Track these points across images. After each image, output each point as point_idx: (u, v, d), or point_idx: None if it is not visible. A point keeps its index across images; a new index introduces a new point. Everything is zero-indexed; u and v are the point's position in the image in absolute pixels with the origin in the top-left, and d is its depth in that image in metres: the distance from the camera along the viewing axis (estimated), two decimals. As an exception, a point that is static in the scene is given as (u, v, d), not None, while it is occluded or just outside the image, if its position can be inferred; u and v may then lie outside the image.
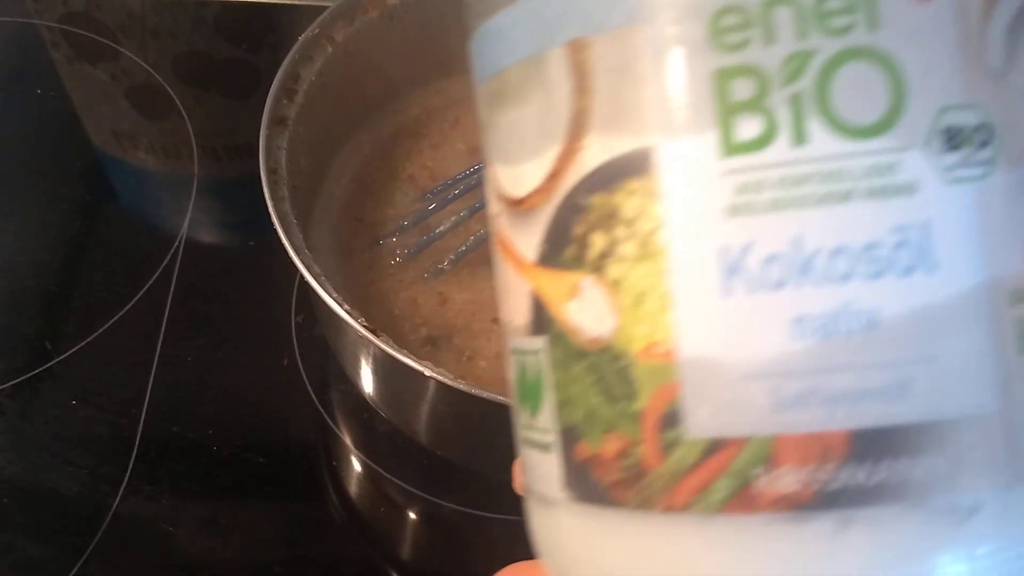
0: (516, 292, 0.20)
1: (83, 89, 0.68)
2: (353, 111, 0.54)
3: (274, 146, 0.46)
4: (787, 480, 0.16)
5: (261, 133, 0.45)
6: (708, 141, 0.17)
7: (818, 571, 0.17)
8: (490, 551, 0.49)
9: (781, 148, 0.16)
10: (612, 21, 0.17)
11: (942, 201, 0.16)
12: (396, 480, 0.52)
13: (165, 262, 0.59)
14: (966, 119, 0.16)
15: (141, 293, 0.57)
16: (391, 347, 0.38)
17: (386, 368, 0.44)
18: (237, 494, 0.51)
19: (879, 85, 0.16)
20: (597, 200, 0.18)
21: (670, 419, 0.17)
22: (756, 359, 0.17)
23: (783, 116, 0.16)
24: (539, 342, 0.19)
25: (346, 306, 0.39)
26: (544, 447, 0.20)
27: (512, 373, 0.21)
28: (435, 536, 0.52)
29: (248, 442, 0.52)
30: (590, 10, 0.18)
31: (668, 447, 0.17)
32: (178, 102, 0.66)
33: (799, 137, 0.16)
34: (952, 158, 0.16)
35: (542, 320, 0.19)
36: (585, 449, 0.19)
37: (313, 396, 0.54)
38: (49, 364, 0.54)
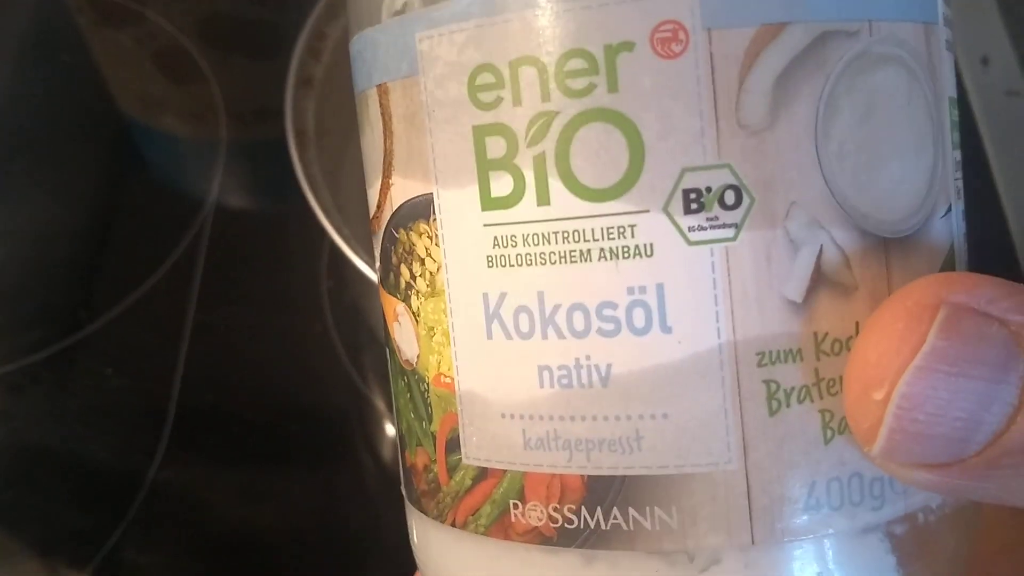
0: None
1: (108, 54, 0.67)
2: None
3: (301, 107, 0.45)
4: (535, 514, 0.18)
5: (287, 94, 0.45)
6: (470, 194, 0.17)
7: None
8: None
9: (528, 207, 0.17)
10: (401, 70, 0.18)
11: (679, 263, 0.16)
12: (431, 445, 0.51)
13: (195, 228, 0.58)
14: (710, 180, 0.16)
15: (172, 260, 0.57)
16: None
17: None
18: (272, 462, 0.51)
19: (617, 147, 0.16)
20: (402, 236, 0.19)
21: (453, 444, 0.19)
22: (510, 400, 0.18)
23: (528, 176, 0.17)
24: (387, 352, 0.21)
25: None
26: (399, 447, 0.21)
27: None
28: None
29: (282, 409, 0.52)
30: (389, 58, 0.19)
31: (452, 469, 0.19)
32: (205, 66, 0.65)
33: (542, 198, 0.17)
34: (693, 220, 0.16)
35: (386, 334, 0.21)
36: (408, 457, 0.20)
37: (346, 361, 0.54)
38: (83, 333, 0.54)
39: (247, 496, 0.50)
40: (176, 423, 0.51)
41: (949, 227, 0.18)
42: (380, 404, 0.53)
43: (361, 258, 0.39)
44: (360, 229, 0.48)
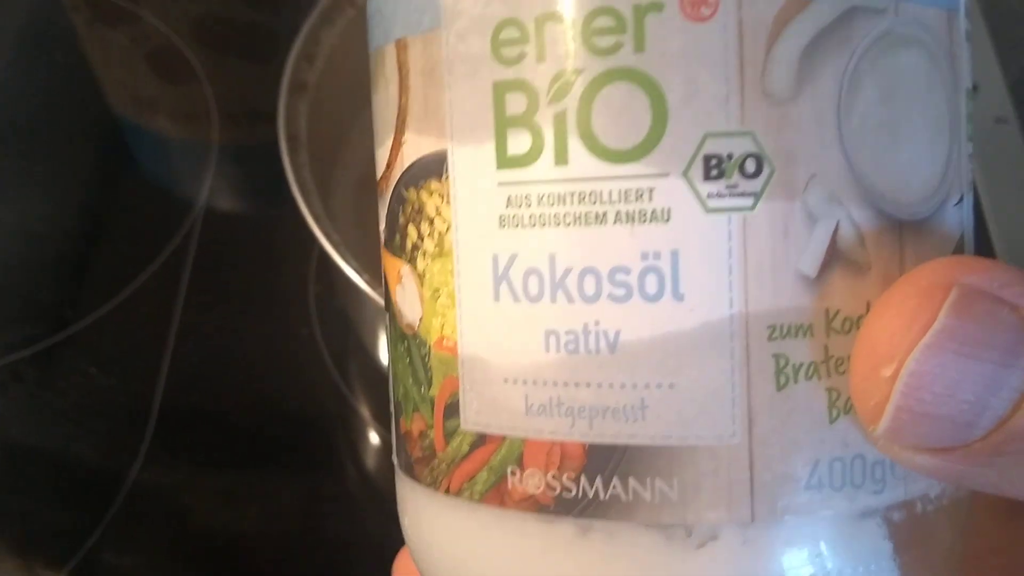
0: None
1: (102, 53, 0.67)
2: (375, 77, 0.53)
3: (294, 112, 0.45)
4: (533, 482, 0.17)
5: (280, 99, 0.45)
6: (486, 152, 0.17)
7: (562, 571, 0.17)
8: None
9: (544, 166, 0.17)
10: (422, 24, 0.18)
11: (696, 230, 0.16)
12: (415, 454, 0.51)
13: (185, 230, 0.58)
14: (732, 148, 0.16)
15: (160, 261, 0.57)
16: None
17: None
18: (255, 465, 0.51)
19: (639, 109, 0.16)
20: (411, 195, 0.19)
21: (452, 409, 0.18)
22: (514, 364, 0.17)
23: (547, 134, 0.17)
24: (387, 318, 0.21)
25: (366, 275, 0.38)
26: (391, 415, 0.21)
27: None
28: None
29: (266, 413, 0.52)
30: (409, 11, 0.18)
31: (449, 435, 0.18)
32: (198, 67, 0.65)
33: (560, 157, 0.17)
34: (712, 187, 0.16)
35: (387, 298, 0.20)
36: (403, 424, 0.20)
37: (331, 368, 0.53)
38: (69, 332, 0.54)
39: (229, 499, 0.49)
40: (159, 424, 0.51)
41: (960, 216, 0.18)
42: (364, 411, 0.53)
43: (350, 264, 0.39)
44: (350, 235, 0.48)
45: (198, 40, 0.66)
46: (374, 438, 0.52)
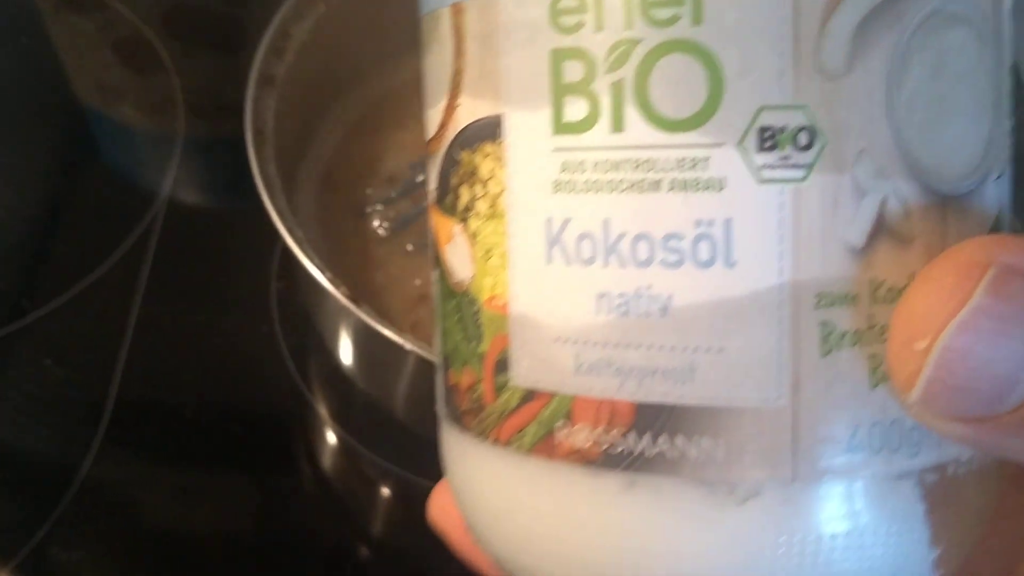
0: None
1: (68, 40, 0.66)
2: (344, 73, 0.53)
3: (261, 106, 0.45)
4: (581, 437, 0.18)
5: (248, 92, 0.44)
6: (542, 118, 0.18)
7: (606, 523, 0.18)
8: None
9: (600, 133, 0.17)
10: None
11: (749, 200, 0.17)
12: (371, 454, 0.51)
13: (146, 222, 0.57)
14: (786, 120, 0.17)
15: (121, 253, 0.56)
16: (372, 317, 0.37)
17: (366, 339, 0.43)
18: (210, 463, 0.50)
19: (697, 80, 0.16)
20: (465, 157, 0.19)
21: (502, 365, 0.19)
22: (564, 325, 0.18)
23: (605, 102, 0.17)
24: (435, 275, 0.21)
25: (328, 273, 0.38)
26: (436, 367, 0.22)
27: None
28: (409, 513, 0.51)
29: (223, 410, 0.51)
30: None
31: (499, 389, 0.19)
32: (166, 57, 0.64)
33: (617, 124, 0.17)
34: (766, 158, 0.17)
35: (435, 256, 0.21)
36: (452, 377, 0.21)
37: (291, 365, 0.53)
38: (25, 321, 0.53)
39: (182, 496, 0.49)
40: (113, 418, 0.50)
41: (1000, 191, 0.19)
42: (322, 410, 0.52)
43: (313, 262, 0.38)
44: (314, 232, 0.48)
45: (166, 30, 0.65)
46: (331, 437, 0.52)
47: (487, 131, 0.19)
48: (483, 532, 0.21)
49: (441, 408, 0.22)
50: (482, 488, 0.20)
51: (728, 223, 0.17)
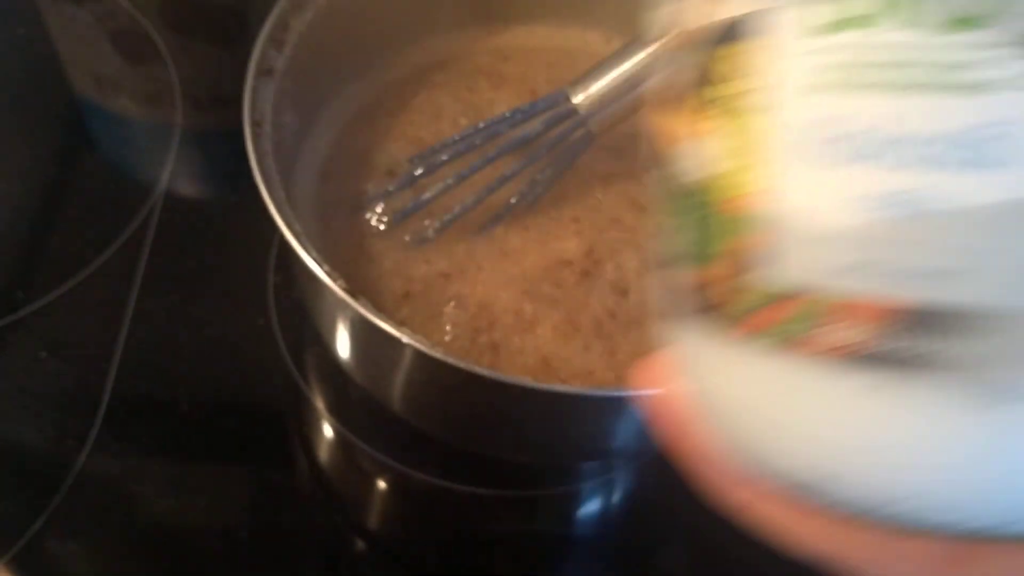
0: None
1: (66, 30, 0.66)
2: (343, 66, 0.53)
3: (260, 98, 0.45)
4: (837, 336, 0.17)
5: (246, 84, 0.44)
6: (809, 16, 0.17)
7: (853, 420, 0.18)
8: (458, 524, 0.49)
9: (874, 32, 0.17)
10: None
11: None
12: (367, 448, 0.51)
13: (143, 214, 0.57)
14: None
15: (117, 245, 0.56)
16: (369, 311, 0.37)
17: (363, 333, 0.43)
18: (206, 456, 0.50)
19: None
20: (723, 52, 0.19)
21: (759, 261, 0.18)
22: (825, 224, 0.17)
23: (877, 1, 0.17)
24: (666, 175, 0.21)
25: (326, 267, 0.38)
26: (659, 267, 0.22)
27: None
28: (404, 506, 0.51)
29: (219, 403, 0.51)
30: None
31: (747, 287, 0.19)
32: (163, 48, 0.64)
33: (893, 23, 0.17)
34: None
35: (665, 156, 0.21)
36: (692, 273, 0.20)
37: (287, 359, 0.53)
38: (20, 314, 0.53)
39: (177, 489, 0.49)
40: (109, 411, 0.50)
41: None
42: (318, 403, 0.52)
43: (311, 255, 0.38)
44: (311, 225, 0.48)
45: (164, 21, 0.65)
46: (327, 430, 0.52)
47: (751, 28, 0.18)
48: (737, 430, 0.20)
49: (673, 306, 0.21)
50: (725, 383, 0.20)
51: (1009, 125, 0.16)
